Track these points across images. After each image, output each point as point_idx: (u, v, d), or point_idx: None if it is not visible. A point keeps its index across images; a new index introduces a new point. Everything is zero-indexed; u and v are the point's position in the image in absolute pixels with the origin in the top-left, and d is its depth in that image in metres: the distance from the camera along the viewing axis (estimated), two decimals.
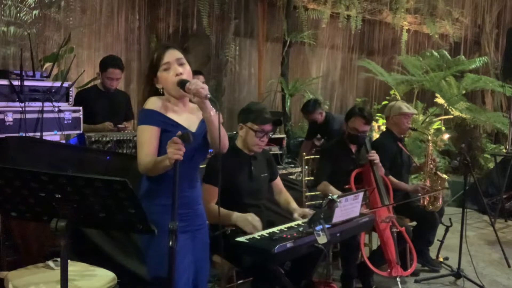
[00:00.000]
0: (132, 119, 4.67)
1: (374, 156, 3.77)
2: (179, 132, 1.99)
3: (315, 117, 5.81)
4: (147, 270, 2.29)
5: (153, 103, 2.19)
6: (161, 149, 2.12)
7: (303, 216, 2.97)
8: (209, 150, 4.07)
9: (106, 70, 4.15)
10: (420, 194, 4.14)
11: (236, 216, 2.81)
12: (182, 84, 2.14)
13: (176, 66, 2.19)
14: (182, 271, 2.15)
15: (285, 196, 3.25)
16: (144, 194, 2.22)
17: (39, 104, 3.31)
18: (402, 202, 3.95)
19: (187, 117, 2.26)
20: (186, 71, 2.21)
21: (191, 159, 2.20)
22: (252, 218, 2.78)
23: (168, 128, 2.16)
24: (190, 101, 2.28)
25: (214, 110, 2.15)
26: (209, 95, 2.08)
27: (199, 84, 2.09)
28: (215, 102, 2.13)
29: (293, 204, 3.15)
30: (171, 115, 2.20)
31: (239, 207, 2.90)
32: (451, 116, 8.37)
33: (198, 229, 2.30)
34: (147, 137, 2.15)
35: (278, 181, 3.29)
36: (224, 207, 2.85)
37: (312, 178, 4.19)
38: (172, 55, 2.21)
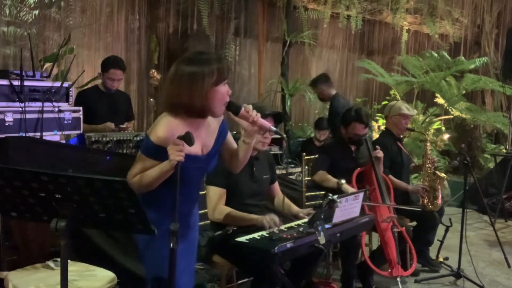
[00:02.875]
0: (133, 119, 4.68)
1: (380, 153, 3.80)
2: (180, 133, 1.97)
3: (321, 89, 5.57)
4: (145, 272, 2.29)
5: (161, 136, 1.97)
6: (171, 182, 1.97)
7: (308, 215, 2.98)
8: None
9: (107, 71, 4.15)
10: (420, 195, 4.14)
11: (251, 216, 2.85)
12: (234, 107, 2.05)
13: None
14: (180, 272, 2.15)
15: (285, 200, 3.25)
16: (142, 201, 2.17)
17: (39, 104, 3.31)
18: (407, 208, 3.96)
19: (203, 137, 2.11)
20: None
21: (198, 180, 2.17)
22: (270, 216, 2.81)
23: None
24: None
25: (253, 142, 2.16)
26: (274, 129, 2.09)
27: (257, 113, 2.06)
28: (282, 135, 2.17)
29: (295, 207, 3.16)
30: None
31: (241, 207, 2.91)
32: (451, 116, 8.37)
33: (191, 228, 2.30)
34: (145, 167, 2.00)
35: (277, 185, 3.30)
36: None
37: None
38: None
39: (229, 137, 2.27)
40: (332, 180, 3.73)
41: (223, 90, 2.01)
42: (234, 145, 2.27)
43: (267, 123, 2.09)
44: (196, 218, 2.35)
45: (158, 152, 1.97)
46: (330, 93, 5.53)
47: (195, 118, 2.03)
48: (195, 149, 2.03)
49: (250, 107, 2.06)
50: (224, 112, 2.09)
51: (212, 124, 2.15)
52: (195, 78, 1.95)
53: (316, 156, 4.15)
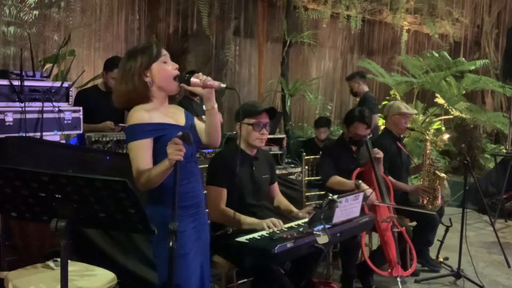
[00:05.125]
0: None
1: (380, 153, 3.80)
2: (180, 133, 1.99)
3: (356, 83, 6.03)
4: (157, 275, 2.29)
5: (137, 116, 2.13)
6: (158, 157, 2.08)
7: (308, 213, 2.99)
8: (210, 150, 4.08)
9: (112, 70, 4.17)
10: (420, 194, 4.14)
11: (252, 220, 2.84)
12: (182, 78, 2.15)
13: (172, 62, 2.22)
14: (193, 271, 2.17)
15: (285, 201, 3.25)
16: (152, 202, 2.20)
17: (39, 104, 3.31)
18: (408, 209, 3.96)
19: (172, 115, 2.25)
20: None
21: (191, 155, 2.22)
22: (270, 219, 2.81)
23: (160, 134, 2.12)
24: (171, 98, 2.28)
25: (216, 105, 2.20)
26: (223, 85, 2.13)
27: (207, 77, 2.14)
28: (234, 88, 2.19)
29: (295, 209, 3.17)
30: (158, 119, 2.15)
31: (240, 207, 2.91)
32: (451, 116, 8.37)
33: (203, 227, 2.33)
34: (140, 153, 2.10)
35: (276, 186, 3.30)
36: (227, 207, 2.88)
37: (312, 178, 4.20)
38: (166, 52, 2.23)
39: (196, 119, 2.37)
40: (348, 183, 3.70)
41: (161, 68, 2.16)
42: (203, 124, 2.36)
43: (218, 82, 2.15)
44: (205, 208, 2.38)
45: (142, 129, 2.10)
46: (363, 89, 5.99)
47: (156, 100, 2.18)
48: (170, 120, 2.19)
49: (200, 74, 2.15)
50: (178, 87, 2.21)
51: (174, 107, 2.32)
52: (127, 74, 2.15)
53: (318, 158, 4.13)
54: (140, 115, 2.12)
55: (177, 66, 2.21)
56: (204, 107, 2.33)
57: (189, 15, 6.81)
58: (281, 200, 3.26)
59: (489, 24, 9.54)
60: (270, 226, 2.76)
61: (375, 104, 6.04)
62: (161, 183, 2.10)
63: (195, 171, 2.29)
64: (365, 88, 6.02)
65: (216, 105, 2.21)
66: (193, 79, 2.14)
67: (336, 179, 3.77)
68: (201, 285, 2.27)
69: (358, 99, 6.19)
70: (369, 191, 3.56)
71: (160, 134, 2.12)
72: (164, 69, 2.17)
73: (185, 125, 2.23)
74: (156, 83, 2.17)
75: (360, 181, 3.67)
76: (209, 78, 2.15)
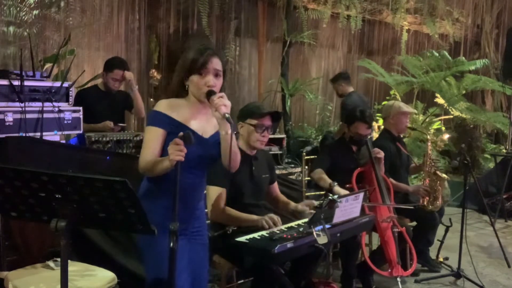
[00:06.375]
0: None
1: (380, 153, 3.80)
2: (181, 133, 1.99)
3: (340, 85, 6.04)
4: (144, 271, 2.29)
5: (162, 105, 2.20)
6: (166, 151, 2.11)
7: (308, 205, 3.01)
8: None
9: (112, 71, 4.17)
10: (420, 194, 4.14)
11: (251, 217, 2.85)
12: (209, 94, 2.13)
13: (211, 77, 2.17)
14: (178, 274, 2.15)
15: (283, 198, 3.26)
16: (145, 193, 2.22)
17: (39, 104, 3.31)
18: (405, 206, 3.95)
19: (203, 122, 2.23)
20: (218, 84, 2.19)
21: (197, 165, 2.20)
22: (269, 215, 2.82)
23: (173, 130, 2.13)
24: None
25: (230, 130, 2.13)
26: (227, 115, 2.06)
27: (224, 101, 2.07)
28: (232, 123, 2.08)
29: (293, 203, 3.17)
30: (180, 118, 2.17)
31: (240, 206, 2.92)
32: (451, 116, 8.37)
33: (196, 232, 2.30)
34: (150, 138, 2.17)
35: (276, 186, 3.31)
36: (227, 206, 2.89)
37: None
38: (213, 64, 2.18)
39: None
40: (326, 181, 3.71)
41: (195, 80, 2.18)
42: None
43: (223, 109, 2.06)
44: (201, 214, 2.35)
45: (160, 118, 2.16)
46: (347, 90, 5.94)
47: (193, 102, 2.22)
48: (194, 127, 2.18)
49: (219, 94, 2.11)
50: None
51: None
52: (180, 65, 2.24)
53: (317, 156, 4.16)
54: (165, 105, 2.19)
55: (211, 84, 2.15)
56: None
57: (189, 15, 6.81)
58: (280, 199, 3.27)
59: (489, 24, 9.55)
60: (268, 223, 2.77)
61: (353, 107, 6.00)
62: (157, 182, 2.16)
63: (198, 182, 2.28)
64: (349, 89, 5.94)
65: (229, 131, 2.13)
66: (212, 97, 2.10)
67: (318, 173, 3.78)
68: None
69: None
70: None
71: (172, 131, 2.14)
72: (197, 82, 2.17)
73: (207, 138, 2.22)
74: (190, 90, 2.21)
75: (336, 183, 3.63)
76: (222, 102, 2.07)
